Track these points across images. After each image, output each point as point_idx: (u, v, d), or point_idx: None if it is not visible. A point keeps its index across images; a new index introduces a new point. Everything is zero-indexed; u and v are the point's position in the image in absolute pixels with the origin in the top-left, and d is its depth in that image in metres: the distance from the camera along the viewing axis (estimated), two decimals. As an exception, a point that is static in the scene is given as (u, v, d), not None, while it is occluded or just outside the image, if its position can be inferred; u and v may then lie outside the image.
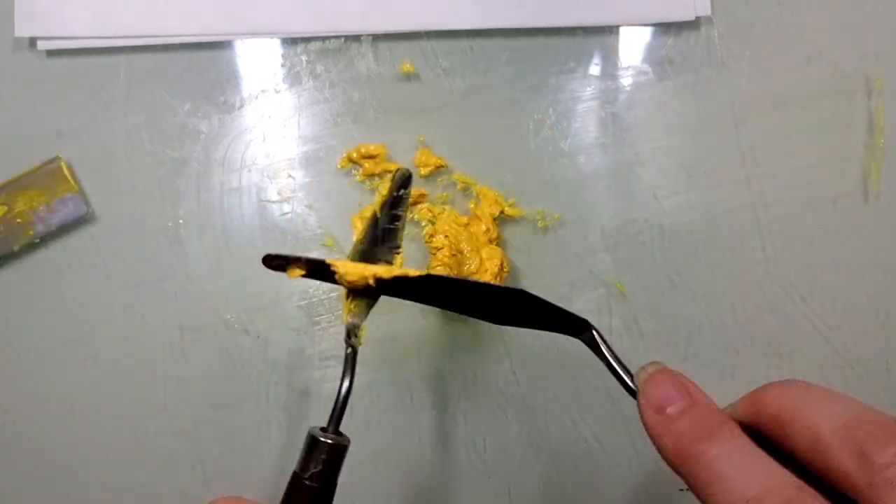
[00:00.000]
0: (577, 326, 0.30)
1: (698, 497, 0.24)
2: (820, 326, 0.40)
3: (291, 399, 0.39)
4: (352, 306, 0.31)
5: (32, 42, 0.39)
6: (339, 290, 0.39)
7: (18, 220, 0.39)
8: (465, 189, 0.40)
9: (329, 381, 0.39)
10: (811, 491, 0.22)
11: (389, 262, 0.33)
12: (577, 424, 0.40)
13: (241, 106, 0.40)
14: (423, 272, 0.31)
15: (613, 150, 0.40)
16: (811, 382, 0.24)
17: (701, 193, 0.40)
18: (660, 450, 0.25)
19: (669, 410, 0.25)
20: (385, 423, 0.40)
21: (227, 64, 0.40)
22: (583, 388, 0.40)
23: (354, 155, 0.39)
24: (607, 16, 0.40)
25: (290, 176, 0.40)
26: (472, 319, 0.39)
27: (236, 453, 0.40)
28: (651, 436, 0.26)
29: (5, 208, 0.38)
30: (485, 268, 0.37)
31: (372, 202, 0.40)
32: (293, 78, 0.40)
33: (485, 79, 0.40)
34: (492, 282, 0.37)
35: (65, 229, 0.39)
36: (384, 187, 0.34)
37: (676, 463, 0.25)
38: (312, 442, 0.27)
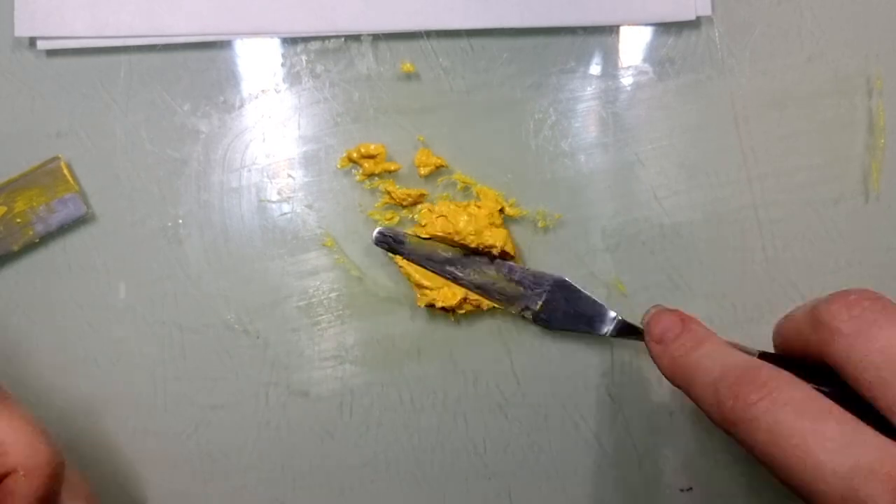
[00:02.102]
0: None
1: (693, 400, 0.28)
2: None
3: (291, 399, 0.39)
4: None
5: (32, 42, 0.39)
6: (347, 284, 0.39)
7: (18, 220, 0.39)
8: (465, 189, 0.40)
9: (328, 381, 0.39)
10: (770, 366, 0.25)
11: None
12: (577, 424, 0.40)
13: (241, 106, 0.40)
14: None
15: (614, 149, 0.40)
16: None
17: (702, 193, 0.40)
18: (662, 373, 0.30)
19: (666, 337, 0.30)
20: (385, 423, 0.40)
21: (226, 64, 0.40)
22: (583, 388, 0.40)
23: (354, 155, 0.39)
24: (607, 16, 0.40)
25: (290, 176, 0.40)
26: (472, 319, 0.39)
27: (236, 453, 0.40)
28: (656, 364, 0.30)
29: (5, 208, 0.38)
30: (489, 245, 0.38)
31: (376, 202, 0.40)
32: (293, 78, 0.40)
33: (485, 78, 0.40)
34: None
35: (65, 229, 0.39)
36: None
37: (672, 377, 0.29)
38: None
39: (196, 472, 0.40)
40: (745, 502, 0.40)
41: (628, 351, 0.39)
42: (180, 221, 0.40)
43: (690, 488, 0.40)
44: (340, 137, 0.40)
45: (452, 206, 0.38)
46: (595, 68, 0.40)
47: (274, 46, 0.40)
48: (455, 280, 0.38)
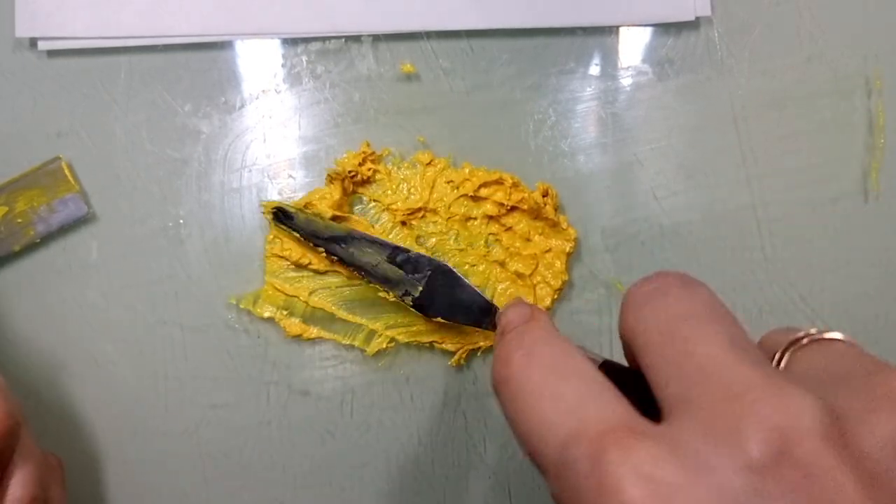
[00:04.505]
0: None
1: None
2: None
3: (291, 399, 0.39)
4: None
5: (33, 42, 0.39)
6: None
7: (19, 221, 0.39)
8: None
9: (329, 380, 0.39)
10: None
11: None
12: (578, 424, 0.40)
13: (242, 106, 0.40)
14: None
15: (613, 150, 0.40)
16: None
17: (701, 193, 0.40)
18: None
19: (507, 328, 0.25)
20: (385, 423, 0.40)
21: (227, 64, 0.40)
22: (583, 388, 0.40)
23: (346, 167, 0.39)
24: (607, 16, 0.40)
25: (290, 176, 0.40)
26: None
27: (236, 453, 0.40)
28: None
29: (6, 209, 0.38)
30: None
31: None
32: (294, 78, 0.40)
33: (485, 79, 0.40)
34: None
35: (65, 229, 0.39)
36: None
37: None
38: None
39: (196, 472, 0.40)
40: (745, 502, 0.40)
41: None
42: (181, 221, 0.40)
43: (690, 488, 0.40)
44: (341, 138, 0.40)
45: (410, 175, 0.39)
46: (594, 69, 0.40)
47: (274, 47, 0.40)
48: (340, 259, 0.37)
